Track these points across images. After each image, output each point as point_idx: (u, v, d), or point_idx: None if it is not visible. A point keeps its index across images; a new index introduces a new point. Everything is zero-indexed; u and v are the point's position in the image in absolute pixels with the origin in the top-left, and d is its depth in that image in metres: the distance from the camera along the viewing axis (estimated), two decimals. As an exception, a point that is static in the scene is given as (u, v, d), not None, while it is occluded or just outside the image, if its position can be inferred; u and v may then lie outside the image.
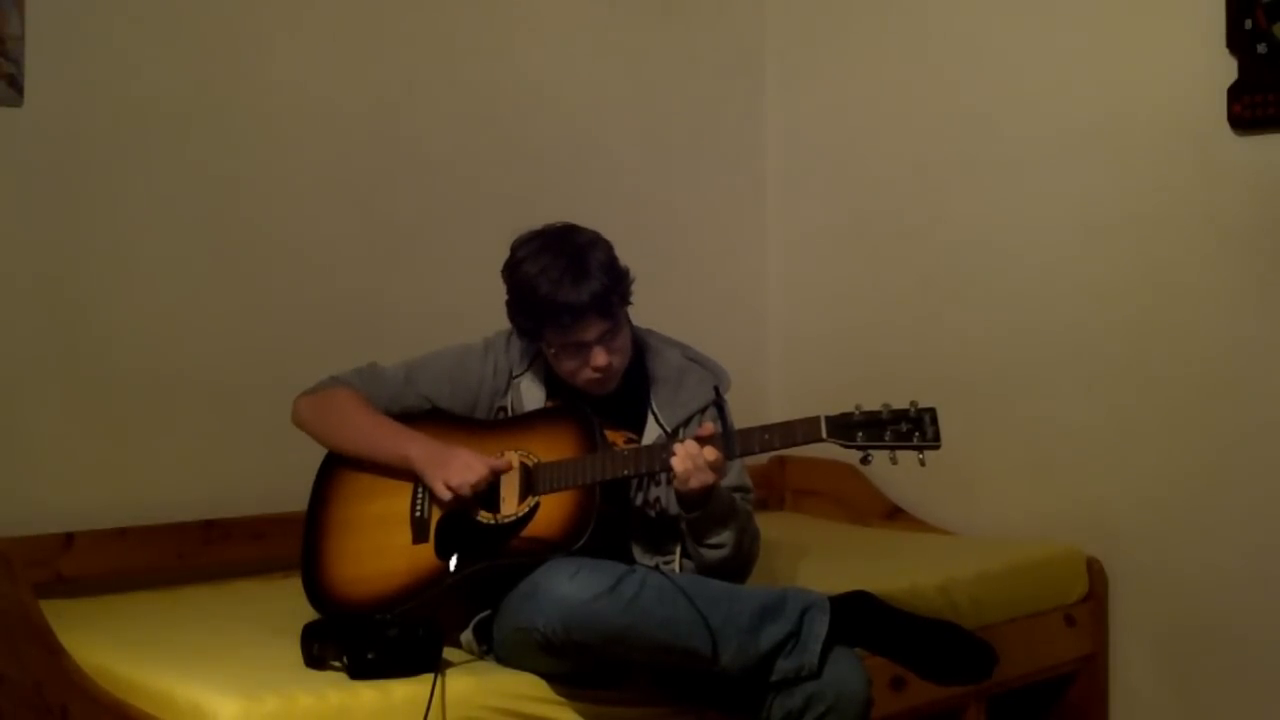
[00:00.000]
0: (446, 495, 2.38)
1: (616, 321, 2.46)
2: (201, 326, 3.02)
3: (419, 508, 2.45)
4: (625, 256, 2.54)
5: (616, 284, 2.45)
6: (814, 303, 3.99)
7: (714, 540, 2.44)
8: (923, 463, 2.33)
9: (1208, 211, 3.21)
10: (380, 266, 3.27)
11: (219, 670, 2.16)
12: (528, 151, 3.52)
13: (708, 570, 2.44)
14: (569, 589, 2.19)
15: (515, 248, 2.49)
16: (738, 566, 2.48)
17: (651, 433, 2.54)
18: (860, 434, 2.31)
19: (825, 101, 3.95)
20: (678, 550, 2.49)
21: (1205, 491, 3.22)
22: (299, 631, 2.25)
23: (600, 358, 2.45)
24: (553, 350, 2.49)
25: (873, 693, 2.28)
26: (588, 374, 2.47)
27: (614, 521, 2.44)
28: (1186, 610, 3.25)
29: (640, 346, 2.61)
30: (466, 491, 2.37)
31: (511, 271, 2.48)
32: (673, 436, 2.52)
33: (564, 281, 2.40)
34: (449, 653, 2.26)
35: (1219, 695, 3.21)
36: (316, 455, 2.56)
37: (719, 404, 2.56)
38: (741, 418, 2.57)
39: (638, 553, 2.49)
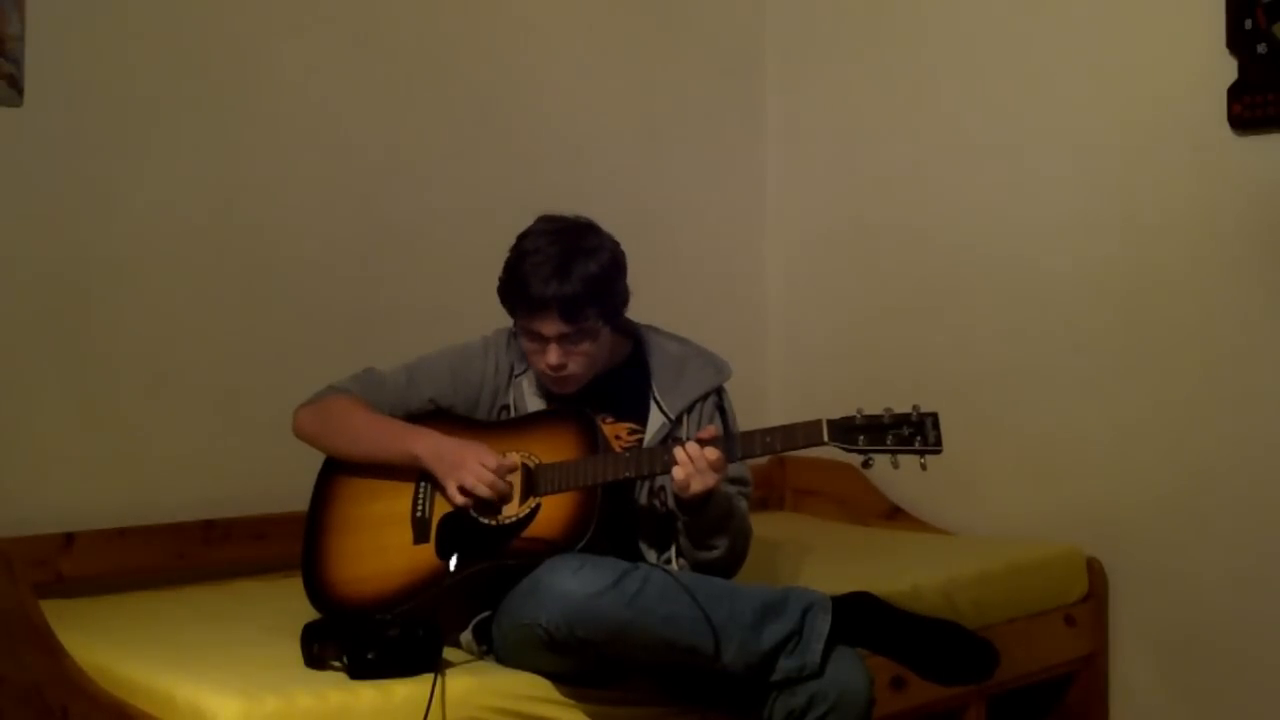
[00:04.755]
0: (460, 499, 2.37)
1: (581, 329, 2.43)
2: (202, 326, 3.01)
3: (420, 507, 2.44)
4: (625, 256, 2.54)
5: (596, 296, 2.42)
6: (814, 303, 3.99)
7: (709, 541, 2.44)
8: (924, 467, 2.31)
9: (1207, 212, 3.21)
10: (380, 266, 3.27)
11: (219, 670, 2.16)
12: (527, 152, 3.52)
13: (699, 569, 2.44)
14: (572, 584, 2.18)
15: (536, 220, 2.50)
16: (727, 565, 2.48)
17: (655, 421, 2.53)
18: (862, 438, 2.30)
19: (825, 101, 3.96)
20: (674, 547, 2.49)
21: (1205, 492, 3.22)
22: (299, 631, 2.25)
23: (553, 355, 2.44)
24: (516, 329, 2.50)
25: (875, 692, 2.28)
26: (541, 366, 2.47)
27: (618, 518, 2.43)
28: (1186, 610, 3.25)
29: (639, 340, 2.62)
30: (483, 492, 2.36)
31: (517, 240, 2.49)
32: (677, 424, 2.52)
33: (541, 272, 2.40)
34: (449, 653, 2.26)
35: (1219, 695, 3.21)
36: (317, 455, 2.56)
37: (720, 406, 2.57)
38: (742, 418, 2.57)
39: (643, 548, 2.48)
